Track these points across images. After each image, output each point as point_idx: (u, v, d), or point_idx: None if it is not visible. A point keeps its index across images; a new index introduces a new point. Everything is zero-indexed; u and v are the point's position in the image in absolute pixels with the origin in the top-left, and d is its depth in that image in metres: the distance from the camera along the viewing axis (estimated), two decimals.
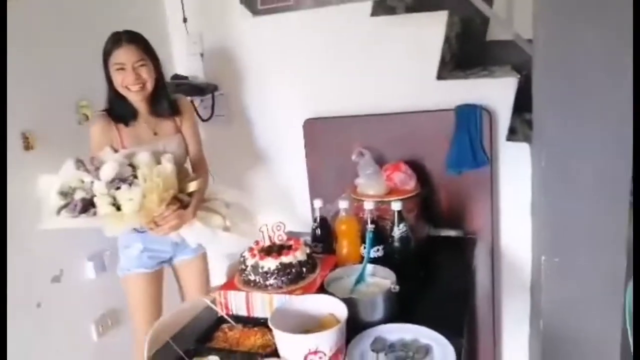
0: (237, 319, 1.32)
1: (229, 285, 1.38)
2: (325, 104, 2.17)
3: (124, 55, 1.61)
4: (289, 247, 1.39)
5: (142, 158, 1.59)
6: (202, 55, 2.33)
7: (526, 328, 2.08)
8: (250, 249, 1.41)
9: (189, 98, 2.28)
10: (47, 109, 1.73)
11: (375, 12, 2.03)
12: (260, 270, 1.33)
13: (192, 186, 1.70)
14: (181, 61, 2.38)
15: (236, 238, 1.74)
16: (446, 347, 1.14)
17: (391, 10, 2.07)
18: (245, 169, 2.41)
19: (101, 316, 1.97)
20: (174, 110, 1.78)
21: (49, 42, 1.78)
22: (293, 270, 1.33)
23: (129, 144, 1.66)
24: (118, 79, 1.62)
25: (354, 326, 1.18)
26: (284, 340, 1.07)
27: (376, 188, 1.80)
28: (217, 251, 2.01)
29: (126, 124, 1.68)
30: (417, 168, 1.93)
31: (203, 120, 2.29)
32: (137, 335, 1.79)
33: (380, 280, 1.36)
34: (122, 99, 1.67)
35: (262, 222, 1.49)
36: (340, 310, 1.14)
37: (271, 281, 1.32)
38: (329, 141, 2.14)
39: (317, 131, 2.16)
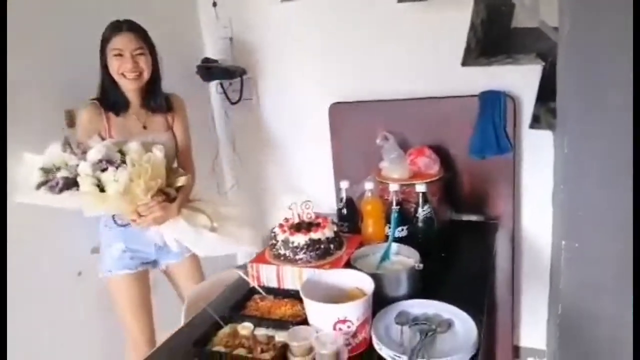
0: (268, 290, 1.39)
1: (260, 259, 1.45)
2: (350, 88, 2.22)
3: (123, 42, 1.59)
4: (317, 225, 1.46)
5: (132, 146, 1.56)
6: (231, 39, 2.38)
7: (544, 312, 2.13)
8: (281, 225, 1.48)
9: (216, 81, 2.38)
10: (87, 89, 1.81)
11: None
12: (290, 245, 1.40)
13: (180, 181, 1.67)
14: (211, 45, 2.44)
15: (224, 241, 1.68)
16: (467, 321, 1.19)
17: None
18: (270, 150, 2.48)
19: None
20: (166, 107, 1.74)
21: (88, 26, 1.85)
22: (321, 246, 1.40)
23: (117, 135, 1.62)
24: (115, 65, 1.59)
25: (379, 300, 1.24)
26: (315, 309, 1.14)
27: (400, 172, 1.85)
28: (202, 254, 1.83)
29: (117, 114, 1.64)
30: (441, 153, 1.98)
31: (232, 103, 2.37)
32: (132, 336, 1.77)
33: (404, 259, 1.42)
34: (115, 87, 1.63)
35: (289, 201, 1.52)
36: (367, 284, 1.20)
37: (300, 255, 1.39)
38: (354, 125, 2.19)
39: (342, 115, 2.21)
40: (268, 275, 1.42)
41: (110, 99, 1.64)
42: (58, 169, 1.43)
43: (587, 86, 1.45)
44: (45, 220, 1.67)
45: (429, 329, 1.17)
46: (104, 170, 1.43)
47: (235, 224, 1.70)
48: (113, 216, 1.66)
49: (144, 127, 1.69)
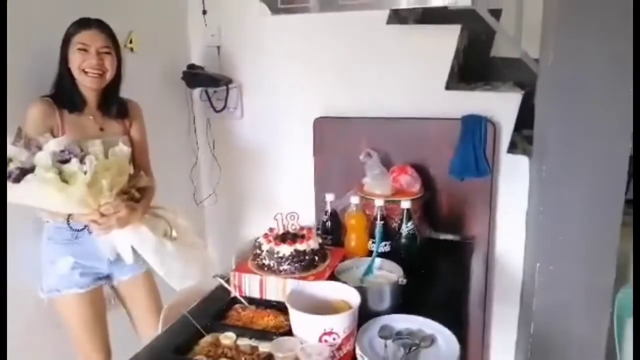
0: (250, 300, 1.38)
1: (243, 269, 1.44)
2: (336, 104, 2.25)
3: (91, 38, 1.52)
4: (302, 236, 1.46)
5: (94, 142, 1.46)
6: (218, 48, 2.38)
7: (514, 332, 2.17)
8: (266, 235, 1.47)
9: (201, 88, 2.36)
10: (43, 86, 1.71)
11: (391, 20, 2.12)
12: (275, 256, 1.39)
13: (143, 181, 1.60)
14: (197, 52, 2.43)
15: (184, 251, 1.57)
16: (449, 337, 1.21)
17: (403, 20, 2.16)
18: (251, 161, 2.47)
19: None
20: (122, 112, 1.67)
21: (59, 23, 1.75)
22: (306, 257, 1.40)
23: (71, 135, 1.48)
24: (77, 60, 1.50)
25: (362, 314, 1.24)
26: (301, 320, 1.13)
27: (383, 188, 1.88)
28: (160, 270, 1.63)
29: (70, 111, 1.54)
30: (421, 172, 2.02)
31: (216, 112, 2.35)
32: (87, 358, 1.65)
33: (387, 274, 1.44)
34: (73, 84, 1.55)
35: (268, 213, 1.50)
36: (353, 297, 1.21)
37: (285, 266, 1.39)
38: (337, 140, 2.22)
39: (326, 130, 2.23)
40: (251, 285, 1.40)
41: (65, 96, 1.54)
42: (10, 160, 1.30)
43: (566, 113, 1.52)
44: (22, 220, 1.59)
45: (413, 343, 1.18)
46: (65, 161, 1.32)
47: (192, 240, 1.61)
48: (68, 220, 1.51)
49: (101, 129, 1.60)
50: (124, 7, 2.00)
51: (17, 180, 1.28)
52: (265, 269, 1.41)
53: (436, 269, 1.67)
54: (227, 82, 2.32)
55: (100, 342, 1.64)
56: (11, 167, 1.29)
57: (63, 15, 1.60)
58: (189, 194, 2.49)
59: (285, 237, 1.44)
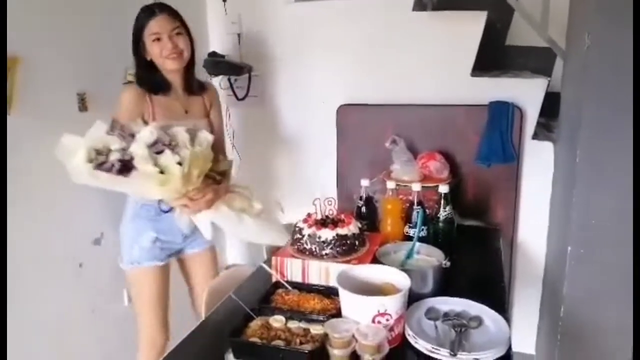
0: (292, 284, 1.38)
1: (284, 253, 1.44)
2: (360, 91, 2.25)
3: (160, 25, 1.56)
4: (342, 221, 1.46)
5: (179, 129, 1.47)
6: (239, 35, 2.37)
7: (534, 318, 2.20)
8: (305, 220, 1.47)
9: (222, 76, 2.35)
10: (99, 74, 1.76)
11: (416, 6, 2.12)
12: (317, 240, 1.40)
13: (224, 165, 1.64)
14: (218, 40, 2.42)
15: (263, 227, 1.59)
16: (495, 317, 1.23)
17: (423, 7, 2.16)
18: (274, 149, 2.47)
19: None
20: (202, 89, 1.74)
21: (104, 11, 1.82)
22: (348, 242, 1.41)
23: (161, 118, 1.57)
24: (156, 50, 1.57)
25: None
26: (354, 302, 1.14)
27: (411, 174, 1.89)
28: (243, 238, 1.85)
29: (157, 93, 1.61)
30: (447, 159, 2.03)
31: (238, 99, 2.34)
32: (147, 334, 1.73)
33: (426, 257, 1.45)
34: (155, 70, 1.61)
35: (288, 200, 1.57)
36: (402, 280, 1.22)
37: (327, 251, 1.39)
38: (361, 127, 2.22)
39: (350, 117, 2.23)
40: (293, 269, 1.41)
41: (151, 82, 1.60)
42: (109, 151, 1.35)
43: (601, 101, 1.53)
44: (43, 212, 1.63)
45: (462, 324, 1.19)
46: (159, 152, 1.36)
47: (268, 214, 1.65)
48: (159, 202, 1.60)
49: (186, 112, 1.67)
50: None
51: (121, 172, 1.33)
52: (307, 253, 1.42)
53: (469, 254, 1.69)
54: (249, 69, 2.31)
55: (165, 315, 1.73)
56: (112, 158, 1.33)
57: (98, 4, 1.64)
58: None
59: (326, 222, 1.45)
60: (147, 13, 1.57)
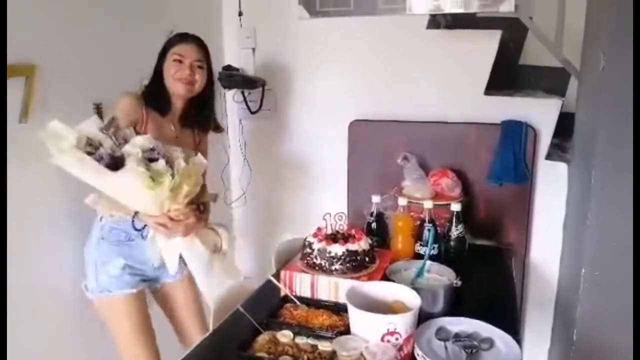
0: (300, 299, 1.37)
1: (293, 267, 1.43)
2: (372, 107, 2.25)
3: (187, 50, 1.61)
4: (353, 236, 1.45)
5: (175, 148, 1.48)
6: (254, 49, 2.39)
7: (547, 341, 2.16)
8: (315, 234, 1.47)
9: (236, 90, 2.37)
10: (116, 84, 1.78)
11: (430, 25, 2.13)
12: (327, 255, 1.39)
13: (206, 196, 1.64)
14: (232, 54, 2.44)
15: (226, 267, 1.59)
16: (507, 340, 1.20)
17: (438, 25, 2.17)
18: (285, 162, 2.48)
19: None
20: (208, 127, 1.75)
21: (122, 24, 1.85)
22: (358, 258, 1.40)
23: (152, 134, 1.53)
24: (172, 70, 1.59)
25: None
26: (363, 319, 1.13)
27: (422, 192, 1.88)
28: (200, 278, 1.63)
29: (155, 110, 1.60)
30: (459, 177, 2.02)
31: (251, 113, 2.36)
32: None
33: (437, 276, 1.44)
34: (164, 91, 1.63)
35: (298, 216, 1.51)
36: (412, 298, 1.20)
37: (337, 266, 1.38)
38: (373, 143, 2.22)
39: (362, 133, 2.23)
40: (302, 284, 1.40)
41: (154, 97, 1.61)
42: (100, 144, 1.32)
43: (617, 121, 1.52)
44: (56, 222, 1.62)
45: (472, 345, 1.17)
46: (152, 159, 1.35)
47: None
48: (133, 218, 1.52)
49: (176, 137, 1.66)
50: (159, 8, 2.02)
51: (109, 167, 1.30)
52: (317, 268, 1.41)
53: (481, 273, 1.66)
54: (262, 83, 2.32)
55: (152, 343, 1.63)
56: (101, 150, 1.31)
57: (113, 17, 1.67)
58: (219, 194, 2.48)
59: (336, 237, 1.44)
60: (181, 37, 1.63)
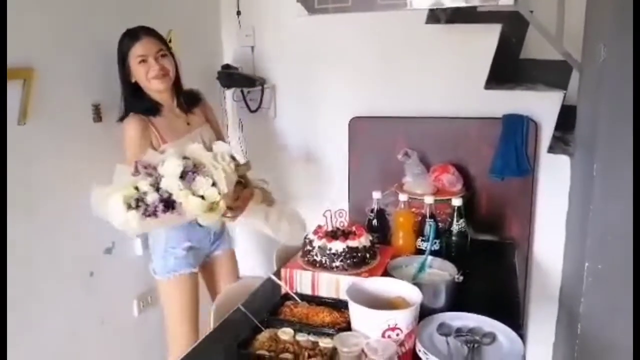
0: (301, 297, 1.36)
1: (294, 265, 1.43)
2: (372, 103, 2.24)
3: (145, 47, 1.60)
4: (353, 233, 1.45)
5: (194, 147, 1.51)
6: (252, 48, 2.39)
7: (551, 335, 2.15)
8: (316, 231, 1.46)
9: (235, 88, 2.37)
10: (114, 85, 1.77)
11: (430, 20, 2.12)
12: (327, 252, 1.38)
13: (243, 169, 1.63)
14: (231, 53, 2.44)
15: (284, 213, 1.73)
16: (509, 334, 1.19)
17: (437, 20, 2.16)
18: (285, 160, 2.47)
19: (142, 293, 2.00)
20: (194, 100, 1.78)
21: (118, 25, 1.84)
22: (359, 254, 1.39)
23: (168, 137, 1.62)
24: (142, 73, 1.59)
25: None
26: (364, 315, 1.12)
27: (423, 187, 1.87)
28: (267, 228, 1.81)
29: (152, 115, 1.63)
30: (460, 172, 2.01)
31: (251, 111, 2.36)
32: (181, 344, 1.68)
33: (438, 272, 1.42)
34: (141, 94, 1.64)
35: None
36: (413, 294, 1.19)
37: (337, 263, 1.37)
38: (373, 140, 2.21)
39: (362, 129, 2.23)
40: (303, 281, 1.39)
41: (141, 106, 1.62)
42: (145, 193, 1.37)
43: (618, 113, 1.50)
44: (56, 220, 1.63)
45: (474, 340, 1.17)
46: (187, 175, 1.40)
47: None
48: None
49: (188, 124, 1.70)
50: (158, 8, 2.02)
51: (166, 210, 1.38)
52: (317, 265, 1.40)
53: (483, 268, 1.65)
54: (262, 82, 2.32)
55: (197, 323, 1.74)
56: (150, 200, 1.36)
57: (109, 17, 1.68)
58: None
59: (336, 234, 1.43)
60: (131, 37, 1.61)
